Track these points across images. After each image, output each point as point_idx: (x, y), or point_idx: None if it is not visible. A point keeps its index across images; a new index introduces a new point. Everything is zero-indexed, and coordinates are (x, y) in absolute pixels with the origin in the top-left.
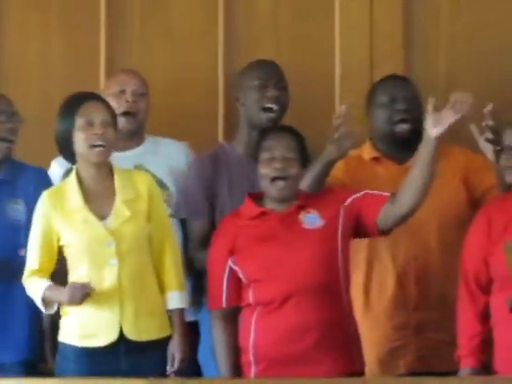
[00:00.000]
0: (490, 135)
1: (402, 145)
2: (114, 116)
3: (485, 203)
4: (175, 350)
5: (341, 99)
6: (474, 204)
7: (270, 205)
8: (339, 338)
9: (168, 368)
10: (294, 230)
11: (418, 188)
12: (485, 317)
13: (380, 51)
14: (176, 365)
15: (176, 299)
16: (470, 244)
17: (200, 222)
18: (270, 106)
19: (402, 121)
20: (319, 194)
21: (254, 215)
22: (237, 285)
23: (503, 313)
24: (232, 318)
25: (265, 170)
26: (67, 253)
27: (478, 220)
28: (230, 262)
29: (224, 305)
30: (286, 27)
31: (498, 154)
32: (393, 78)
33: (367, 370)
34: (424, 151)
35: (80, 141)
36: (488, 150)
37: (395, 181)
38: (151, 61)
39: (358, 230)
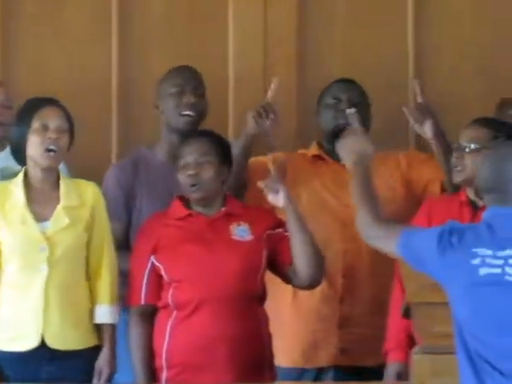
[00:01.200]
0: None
1: None
2: (71, 123)
3: (427, 202)
4: (104, 365)
5: (234, 104)
6: (418, 200)
7: (197, 208)
8: (252, 351)
9: (95, 382)
10: (221, 237)
11: (310, 257)
12: None
13: (274, 57)
14: (103, 379)
15: (105, 314)
16: None
17: (117, 225)
18: (186, 113)
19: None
20: (252, 208)
21: (181, 216)
22: (157, 283)
23: None
24: (149, 317)
25: (181, 177)
26: (1, 249)
27: (418, 218)
28: (152, 259)
29: (142, 301)
30: (181, 31)
31: (446, 152)
32: (340, 81)
33: (292, 362)
34: (289, 221)
35: (33, 144)
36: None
37: (335, 179)
38: (43, 63)
39: (273, 265)
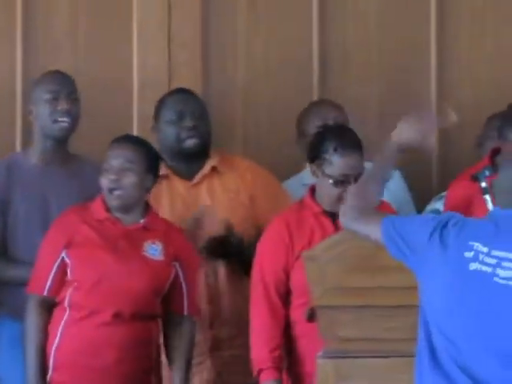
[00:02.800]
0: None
1: (190, 160)
2: None
3: (279, 219)
4: None
5: (139, 109)
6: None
7: (115, 213)
8: (139, 359)
9: None
10: (133, 250)
11: None
12: (284, 329)
13: (178, 61)
14: None
15: None
16: (270, 255)
17: None
18: (61, 119)
19: (190, 137)
20: (173, 229)
21: (99, 218)
22: (62, 278)
23: (307, 325)
24: (48, 309)
25: (103, 181)
26: None
27: (277, 231)
28: (63, 254)
29: (46, 292)
30: (85, 34)
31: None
32: (180, 93)
33: None
34: None
35: None
36: None
37: (184, 199)
38: None
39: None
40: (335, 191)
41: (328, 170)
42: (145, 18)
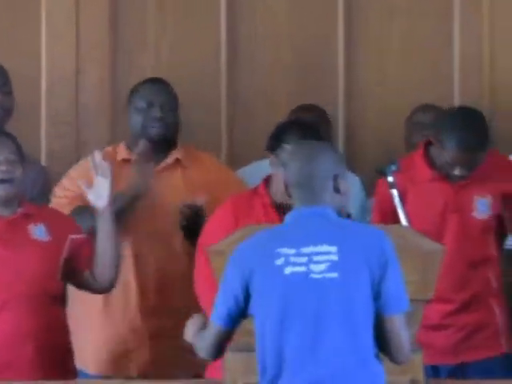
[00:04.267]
0: None
1: (155, 150)
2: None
3: (230, 202)
4: None
5: (47, 106)
6: None
7: None
8: (55, 348)
9: None
10: (21, 237)
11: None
12: None
13: (87, 59)
14: None
15: None
16: (213, 233)
17: None
18: None
19: (156, 127)
20: (47, 209)
21: None
22: None
23: None
24: None
25: None
26: None
27: (224, 211)
28: None
29: None
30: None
31: None
32: (153, 83)
33: (99, 369)
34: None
35: None
36: None
37: None
38: None
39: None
40: None
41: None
42: (52, 18)
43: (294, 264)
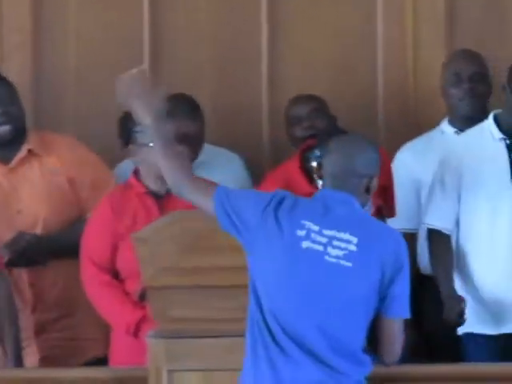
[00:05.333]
0: None
1: (6, 146)
2: None
3: (106, 199)
4: None
5: None
6: None
7: None
8: None
9: None
10: None
11: None
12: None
13: (9, 44)
14: None
15: None
16: (96, 235)
17: None
18: None
19: (1, 124)
20: None
21: None
22: None
23: None
24: None
25: None
26: None
27: (101, 211)
28: None
29: None
30: None
31: None
32: None
33: None
34: None
35: None
36: None
37: (1, 184)
38: None
39: None
40: None
41: (143, 138)
42: None
43: (314, 241)
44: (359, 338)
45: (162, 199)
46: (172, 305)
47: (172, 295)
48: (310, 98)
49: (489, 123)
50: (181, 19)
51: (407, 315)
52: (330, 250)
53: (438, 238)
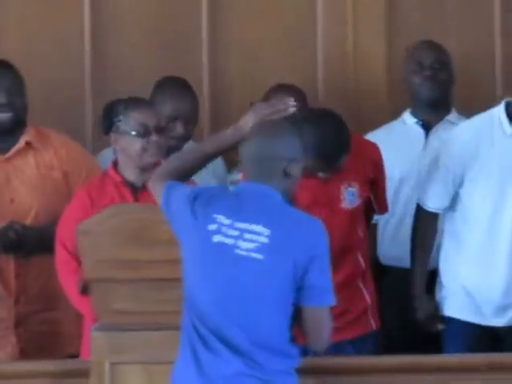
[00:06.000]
0: None
1: (4, 135)
2: None
3: (84, 187)
4: None
5: None
6: None
7: None
8: None
9: None
10: None
11: None
12: None
13: None
14: None
15: None
16: (70, 221)
17: None
18: None
19: (2, 112)
20: None
21: None
22: None
23: None
24: None
25: None
26: None
27: (79, 198)
28: None
29: None
30: None
31: None
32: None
33: None
34: None
35: None
36: None
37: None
38: None
39: None
40: (138, 144)
41: (125, 127)
42: None
43: (225, 235)
44: (281, 330)
45: (138, 190)
46: (113, 297)
47: (113, 288)
48: (288, 87)
49: (499, 113)
50: (122, 4)
51: (330, 303)
52: (240, 243)
53: (427, 219)
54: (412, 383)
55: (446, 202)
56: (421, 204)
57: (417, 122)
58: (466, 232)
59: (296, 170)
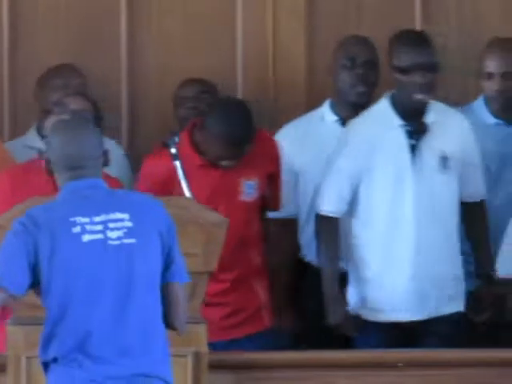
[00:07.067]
0: None
1: None
2: None
3: (6, 176)
4: None
5: None
6: None
7: None
8: None
9: None
10: None
11: None
12: None
13: None
14: None
15: None
16: None
17: None
18: None
19: None
20: None
21: None
22: None
23: None
24: None
25: None
26: None
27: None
28: None
29: None
30: None
31: None
32: None
33: None
34: None
35: None
36: None
37: None
38: None
39: None
40: None
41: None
42: None
43: (91, 232)
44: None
45: None
46: (29, 291)
47: None
48: (198, 81)
49: (385, 108)
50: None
51: (187, 279)
52: (109, 234)
53: (326, 223)
54: (328, 379)
55: (341, 206)
56: (317, 208)
57: (337, 121)
58: (368, 230)
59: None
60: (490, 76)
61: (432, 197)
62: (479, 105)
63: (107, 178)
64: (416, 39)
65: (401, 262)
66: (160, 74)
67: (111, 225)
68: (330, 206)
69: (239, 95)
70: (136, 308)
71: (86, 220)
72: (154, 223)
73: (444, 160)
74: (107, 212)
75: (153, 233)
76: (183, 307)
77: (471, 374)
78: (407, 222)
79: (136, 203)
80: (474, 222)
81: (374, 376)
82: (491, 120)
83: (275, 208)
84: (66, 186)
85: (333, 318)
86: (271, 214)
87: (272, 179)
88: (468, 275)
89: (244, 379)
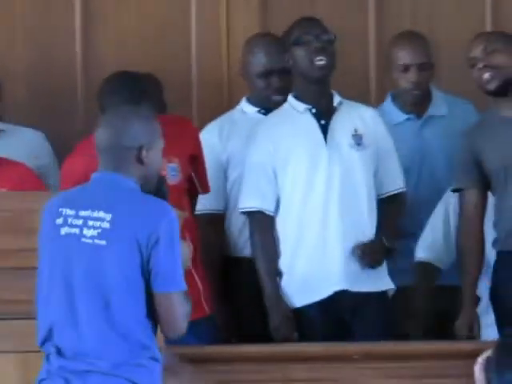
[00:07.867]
0: None
1: None
2: None
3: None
4: None
5: None
6: None
7: None
8: None
9: None
10: None
11: None
12: None
13: None
14: None
15: None
16: None
17: None
18: None
19: None
20: None
21: None
22: None
23: None
24: None
25: None
26: None
27: None
28: None
29: None
30: None
31: None
32: None
33: None
34: None
35: None
36: None
37: None
38: None
39: None
40: None
41: None
42: None
43: (71, 225)
44: (135, 319)
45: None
46: None
47: None
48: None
49: (290, 100)
50: None
51: (179, 288)
52: (85, 231)
53: (257, 222)
54: (286, 372)
55: (263, 202)
56: (240, 207)
57: (258, 111)
58: (284, 218)
59: (150, 156)
60: (405, 68)
61: (348, 174)
62: (387, 104)
63: (10, 163)
64: None
65: (310, 249)
66: (114, 67)
67: (90, 222)
68: (249, 202)
69: (194, 90)
70: (85, 315)
71: (72, 213)
72: (133, 230)
73: (357, 137)
74: (93, 209)
75: (128, 239)
76: (175, 315)
77: (426, 366)
78: (318, 204)
79: (130, 206)
80: (389, 214)
81: (331, 368)
82: (401, 117)
83: (204, 190)
84: (93, 175)
85: (273, 323)
86: (198, 210)
87: (194, 161)
88: (399, 272)
89: (203, 372)
